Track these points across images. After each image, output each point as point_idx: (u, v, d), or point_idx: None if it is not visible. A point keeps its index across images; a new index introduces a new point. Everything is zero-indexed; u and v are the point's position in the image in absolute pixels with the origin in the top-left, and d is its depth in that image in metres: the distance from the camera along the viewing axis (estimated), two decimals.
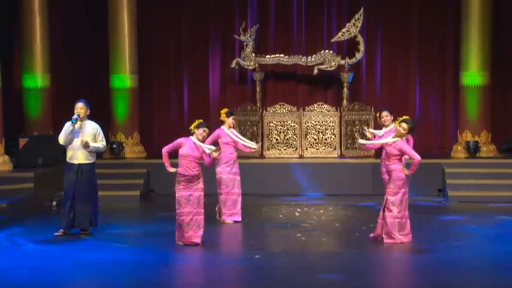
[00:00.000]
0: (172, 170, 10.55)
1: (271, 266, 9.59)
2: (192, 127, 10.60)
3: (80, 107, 11.27)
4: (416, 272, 9.37)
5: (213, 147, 10.61)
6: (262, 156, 16.19)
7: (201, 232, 10.53)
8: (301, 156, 16.32)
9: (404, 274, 9.41)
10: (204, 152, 10.52)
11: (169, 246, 10.56)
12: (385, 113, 12.13)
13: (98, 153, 11.71)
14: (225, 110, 12.84)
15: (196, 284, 8.61)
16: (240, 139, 12.66)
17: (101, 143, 11.39)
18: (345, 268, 9.34)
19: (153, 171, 15.81)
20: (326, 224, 12.31)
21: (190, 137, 10.57)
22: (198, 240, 10.51)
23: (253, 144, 12.83)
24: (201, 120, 10.73)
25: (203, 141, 10.61)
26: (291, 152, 16.33)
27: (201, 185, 10.58)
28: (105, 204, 14.28)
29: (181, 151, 10.51)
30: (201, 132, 10.51)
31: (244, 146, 12.70)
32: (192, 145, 10.49)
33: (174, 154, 10.74)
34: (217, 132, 12.54)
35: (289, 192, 15.21)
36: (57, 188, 13.47)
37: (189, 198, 10.47)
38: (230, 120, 12.62)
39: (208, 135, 10.97)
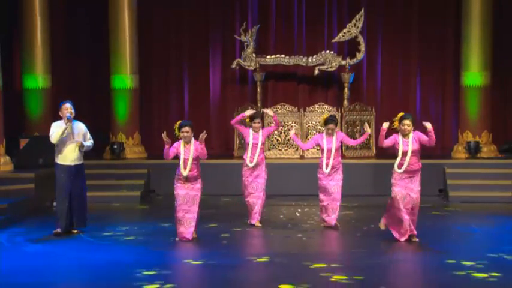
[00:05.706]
0: (166, 138, 10.59)
1: (271, 266, 9.59)
2: (176, 132, 10.82)
3: (69, 108, 11.31)
4: (417, 272, 9.37)
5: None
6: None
7: (191, 229, 10.83)
8: (301, 157, 16.31)
9: (405, 274, 9.41)
10: (200, 149, 10.71)
11: (170, 247, 10.58)
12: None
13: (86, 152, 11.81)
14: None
15: (194, 285, 8.61)
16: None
17: (90, 141, 11.55)
18: (346, 269, 9.33)
19: (154, 172, 15.82)
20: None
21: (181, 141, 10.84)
22: (188, 236, 10.80)
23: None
24: (180, 122, 10.93)
25: (189, 141, 10.74)
26: (292, 152, 16.33)
27: (198, 186, 10.88)
28: (106, 204, 14.33)
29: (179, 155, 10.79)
30: (182, 133, 10.74)
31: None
32: (181, 148, 10.73)
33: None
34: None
35: (289, 193, 15.19)
36: None
37: (184, 197, 10.78)
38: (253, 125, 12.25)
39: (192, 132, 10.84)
